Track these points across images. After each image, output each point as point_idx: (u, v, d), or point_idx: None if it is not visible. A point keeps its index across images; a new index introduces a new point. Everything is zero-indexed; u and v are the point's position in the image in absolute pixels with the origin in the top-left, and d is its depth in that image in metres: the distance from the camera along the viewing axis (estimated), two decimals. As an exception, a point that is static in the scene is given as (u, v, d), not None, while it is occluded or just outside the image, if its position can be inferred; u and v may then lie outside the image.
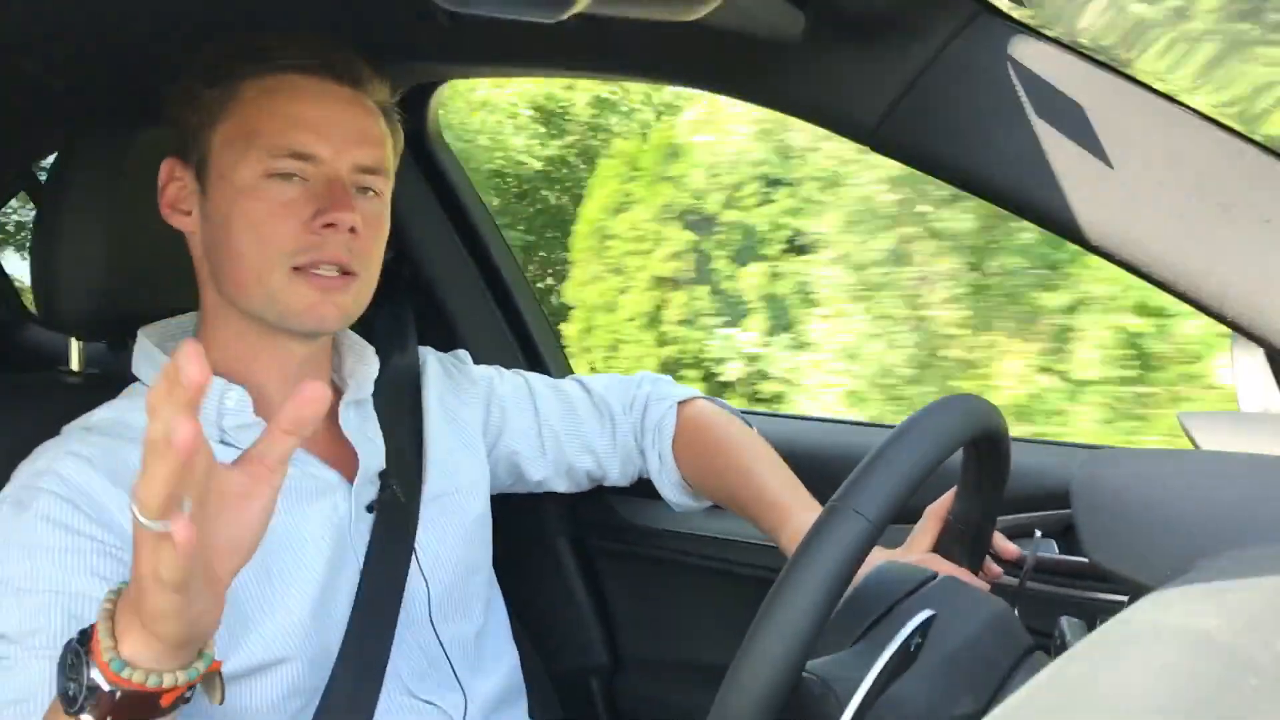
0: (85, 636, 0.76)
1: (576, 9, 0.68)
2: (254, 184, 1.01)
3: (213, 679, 0.80)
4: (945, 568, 1.04)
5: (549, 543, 1.64)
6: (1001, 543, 1.12)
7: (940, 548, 1.09)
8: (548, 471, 1.36)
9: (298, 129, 1.01)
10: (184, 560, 0.67)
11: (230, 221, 1.02)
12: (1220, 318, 0.85)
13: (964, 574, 1.04)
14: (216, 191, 1.03)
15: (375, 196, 1.08)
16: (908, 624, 0.74)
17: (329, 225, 1.01)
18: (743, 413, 1.41)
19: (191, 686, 0.77)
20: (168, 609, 0.71)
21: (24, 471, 0.99)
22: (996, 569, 1.13)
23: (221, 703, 0.81)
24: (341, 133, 1.03)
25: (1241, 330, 0.86)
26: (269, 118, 1.02)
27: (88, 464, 0.97)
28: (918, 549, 1.10)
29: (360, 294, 1.06)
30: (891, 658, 0.71)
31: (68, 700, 0.75)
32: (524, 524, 1.58)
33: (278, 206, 1.01)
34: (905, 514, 0.83)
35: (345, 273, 1.03)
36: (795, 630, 0.68)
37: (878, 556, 1.12)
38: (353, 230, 1.02)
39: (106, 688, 0.73)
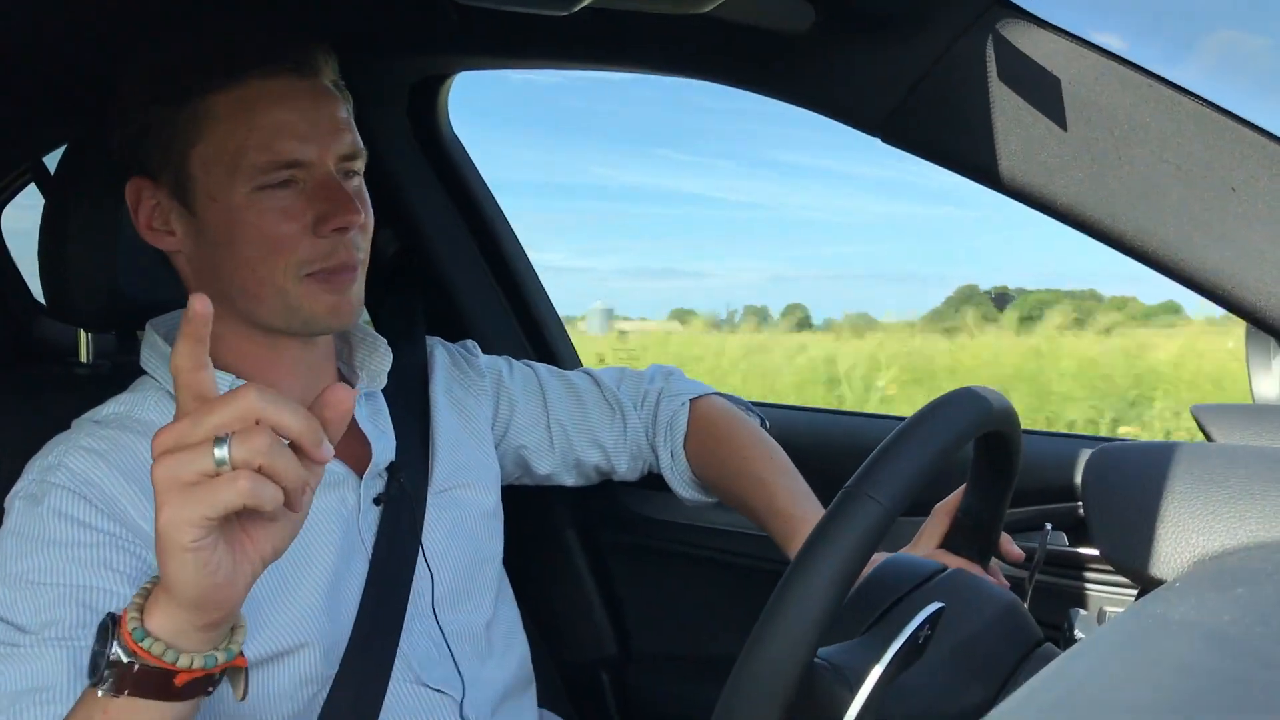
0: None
1: (586, 1, 0.68)
2: (249, 199, 1.00)
3: (238, 675, 0.80)
4: (955, 561, 1.04)
5: (558, 535, 1.64)
6: (1008, 545, 1.11)
7: (949, 544, 1.09)
8: (555, 465, 1.36)
9: (282, 138, 1.00)
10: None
11: (234, 238, 1.01)
12: (1234, 308, 0.85)
13: (974, 568, 1.03)
14: (209, 213, 1.01)
15: (357, 176, 1.08)
16: (918, 614, 0.74)
17: (338, 230, 1.01)
18: (753, 405, 1.41)
19: (210, 677, 0.76)
20: (186, 546, 0.68)
21: (35, 466, 0.99)
22: (1007, 562, 1.12)
23: (244, 699, 0.81)
24: (319, 131, 1.02)
25: (1256, 321, 0.85)
26: (250, 132, 0.99)
27: (98, 458, 0.97)
28: (926, 545, 1.10)
29: (364, 279, 1.07)
30: (900, 649, 0.71)
31: (92, 668, 0.75)
32: (533, 516, 1.58)
33: (279, 216, 1.00)
34: (914, 508, 0.83)
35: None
36: (808, 615, 0.67)
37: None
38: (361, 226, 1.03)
39: (125, 659, 0.73)
